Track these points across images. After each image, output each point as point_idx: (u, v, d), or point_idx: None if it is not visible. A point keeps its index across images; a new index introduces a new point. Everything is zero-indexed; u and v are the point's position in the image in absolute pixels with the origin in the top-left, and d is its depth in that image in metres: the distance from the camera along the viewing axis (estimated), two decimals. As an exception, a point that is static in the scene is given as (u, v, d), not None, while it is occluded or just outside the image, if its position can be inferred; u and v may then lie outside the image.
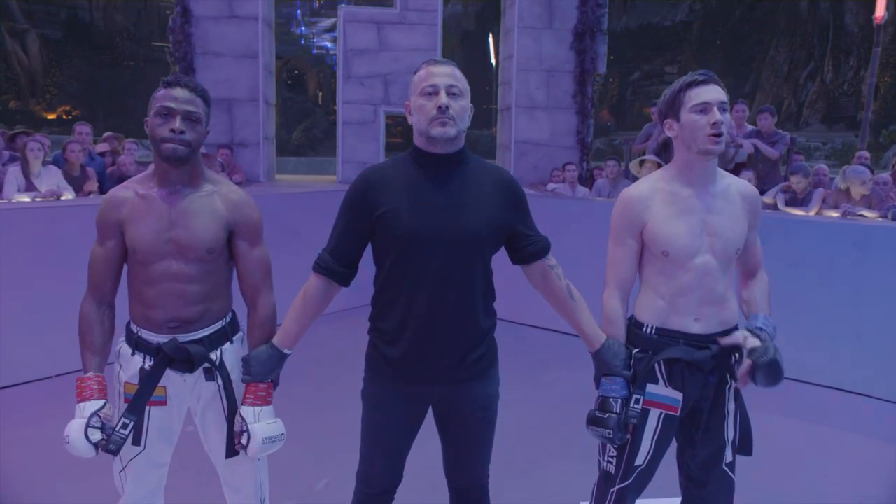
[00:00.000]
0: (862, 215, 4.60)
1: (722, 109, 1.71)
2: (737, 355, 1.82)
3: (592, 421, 1.77)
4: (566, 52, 7.28)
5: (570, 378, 4.32)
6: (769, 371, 1.66)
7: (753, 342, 1.70)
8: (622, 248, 1.83)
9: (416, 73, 1.72)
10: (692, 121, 1.71)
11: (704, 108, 1.70)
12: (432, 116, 1.63)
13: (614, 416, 1.74)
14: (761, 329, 1.75)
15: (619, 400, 1.75)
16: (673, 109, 1.76)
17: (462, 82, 1.68)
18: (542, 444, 3.36)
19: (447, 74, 1.66)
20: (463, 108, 1.67)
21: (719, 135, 1.69)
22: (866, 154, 7.07)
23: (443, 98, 1.63)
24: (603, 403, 1.77)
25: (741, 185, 1.86)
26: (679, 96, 1.74)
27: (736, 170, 5.41)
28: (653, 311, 1.82)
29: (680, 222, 1.76)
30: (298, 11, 25.03)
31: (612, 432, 1.73)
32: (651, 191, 1.81)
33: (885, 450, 3.43)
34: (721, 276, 1.78)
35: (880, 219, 4.54)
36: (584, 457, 2.90)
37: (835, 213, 4.74)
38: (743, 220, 1.81)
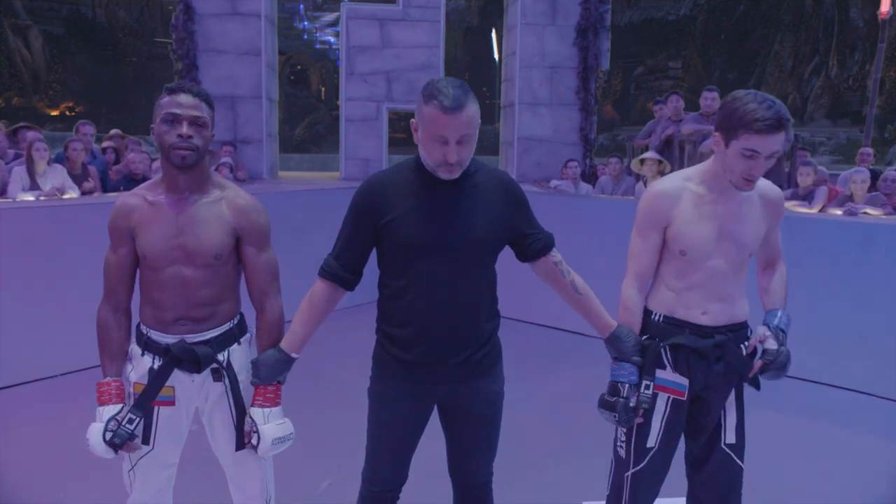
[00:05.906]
0: (866, 213, 4.60)
1: (770, 158, 1.69)
2: (745, 344, 1.89)
3: (602, 404, 1.86)
4: (569, 49, 7.26)
5: (575, 376, 4.32)
6: (777, 372, 1.85)
7: (771, 345, 1.84)
8: (645, 241, 1.88)
9: (426, 99, 1.58)
10: (736, 160, 1.70)
11: (753, 155, 1.68)
12: (440, 162, 1.62)
13: (622, 399, 1.81)
14: (781, 330, 1.86)
15: (627, 384, 1.82)
16: (727, 130, 1.71)
17: (474, 122, 1.60)
18: (546, 442, 3.37)
19: (462, 125, 1.57)
20: (471, 149, 1.64)
21: (753, 181, 1.72)
22: (869, 150, 7.04)
23: (452, 156, 1.59)
24: (612, 388, 1.85)
25: (763, 186, 1.85)
26: (740, 130, 1.67)
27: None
28: (662, 301, 1.90)
29: (703, 226, 1.80)
30: (301, 6, 24.98)
31: (618, 415, 1.81)
32: (679, 190, 1.84)
33: (887, 448, 3.43)
34: (731, 278, 1.84)
35: (884, 216, 4.53)
36: (588, 455, 2.91)
37: (838, 211, 4.73)
38: (762, 225, 1.86)
